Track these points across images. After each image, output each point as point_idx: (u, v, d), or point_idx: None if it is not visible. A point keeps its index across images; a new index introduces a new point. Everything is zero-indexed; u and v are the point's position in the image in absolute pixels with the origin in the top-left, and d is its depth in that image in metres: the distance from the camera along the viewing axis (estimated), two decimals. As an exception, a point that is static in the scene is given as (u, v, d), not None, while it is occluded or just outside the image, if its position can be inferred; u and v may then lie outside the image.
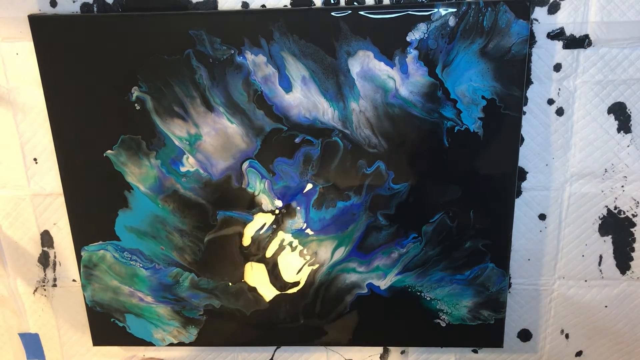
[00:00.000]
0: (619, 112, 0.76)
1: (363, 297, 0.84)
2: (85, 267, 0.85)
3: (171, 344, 0.90)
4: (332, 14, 0.70)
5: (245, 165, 0.78)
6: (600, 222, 0.82)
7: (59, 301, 0.92)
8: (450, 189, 0.78)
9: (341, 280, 0.83)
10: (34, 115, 0.80)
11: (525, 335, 0.90)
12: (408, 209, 0.78)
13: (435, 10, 0.69)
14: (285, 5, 0.73)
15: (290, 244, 0.82)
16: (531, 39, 0.73)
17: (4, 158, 0.83)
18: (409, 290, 0.83)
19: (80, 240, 0.84)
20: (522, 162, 0.79)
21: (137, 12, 0.73)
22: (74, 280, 0.90)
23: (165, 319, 0.88)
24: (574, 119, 0.77)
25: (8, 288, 0.91)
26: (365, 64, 0.72)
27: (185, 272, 0.84)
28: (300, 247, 0.82)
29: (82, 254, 0.84)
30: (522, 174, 0.80)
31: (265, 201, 0.79)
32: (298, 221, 0.80)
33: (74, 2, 0.74)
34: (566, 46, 0.73)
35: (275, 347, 0.93)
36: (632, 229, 0.82)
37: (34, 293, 0.92)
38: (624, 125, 0.77)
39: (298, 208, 0.80)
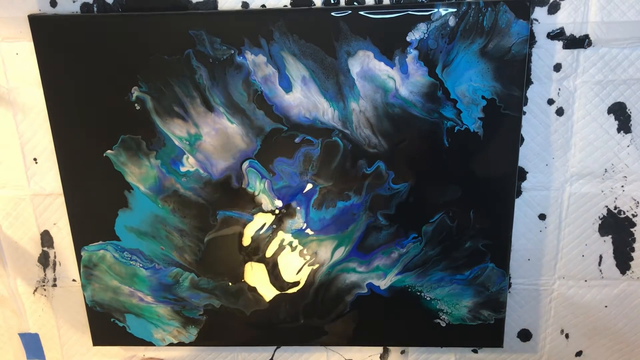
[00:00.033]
0: (619, 112, 0.76)
1: (363, 297, 0.84)
2: (85, 267, 0.85)
3: (171, 344, 0.90)
4: (332, 14, 0.70)
5: (245, 165, 0.78)
6: (600, 222, 0.82)
7: (59, 301, 0.92)
8: (450, 189, 0.78)
9: (341, 280, 0.83)
10: (34, 115, 0.80)
11: (525, 335, 0.90)
12: (408, 209, 0.78)
13: (435, 10, 0.69)
14: (285, 5, 0.73)
15: (290, 244, 0.82)
16: (531, 39, 0.73)
17: (4, 158, 0.83)
18: (409, 290, 0.83)
19: (80, 240, 0.84)
20: (522, 162, 0.79)
21: (137, 12, 0.73)
22: (74, 280, 0.90)
23: (165, 319, 0.88)
24: (574, 119, 0.77)
25: (8, 288, 0.91)
26: (365, 64, 0.72)
27: (185, 272, 0.84)
28: (300, 247, 0.82)
29: (82, 254, 0.84)
30: (522, 174, 0.80)
31: (265, 201, 0.79)
32: (298, 221, 0.80)
33: (74, 2, 0.74)
34: (566, 46, 0.73)
35: (275, 347, 0.93)
36: (632, 229, 0.82)
37: (34, 293, 0.92)
38: (624, 125, 0.77)
39: (298, 208, 0.80)
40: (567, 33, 0.73)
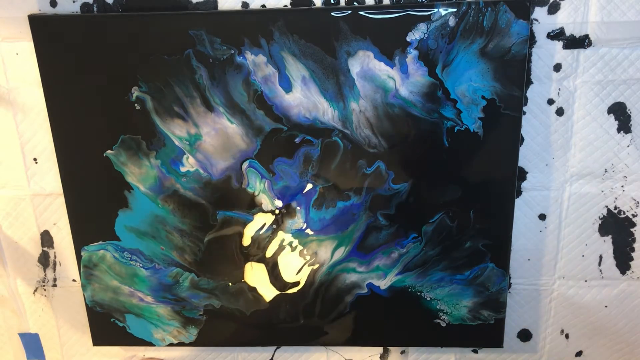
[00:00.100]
0: (619, 112, 0.76)
1: (363, 297, 0.84)
2: (85, 267, 0.85)
3: (171, 344, 0.90)
4: (332, 14, 0.70)
5: (245, 165, 0.78)
6: (600, 222, 0.82)
7: (59, 301, 0.92)
8: (450, 189, 0.78)
9: (341, 280, 0.83)
10: (34, 115, 0.80)
11: (525, 335, 0.90)
12: (408, 209, 0.78)
13: (435, 10, 0.69)
14: (285, 5, 0.73)
15: (290, 244, 0.82)
16: (531, 39, 0.73)
17: (4, 158, 0.83)
18: (409, 290, 0.83)
19: (80, 240, 0.84)
20: (522, 162, 0.79)
21: (137, 12, 0.73)
22: (74, 280, 0.90)
23: (165, 319, 0.88)
24: (574, 119, 0.77)
25: (8, 288, 0.91)
26: (365, 64, 0.72)
27: (185, 272, 0.84)
28: (300, 247, 0.82)
29: (82, 254, 0.84)
30: (522, 174, 0.80)
31: (265, 201, 0.79)
32: (298, 221, 0.80)
33: (74, 2, 0.74)
34: (566, 46, 0.73)
35: (275, 347, 0.93)
36: (632, 229, 0.82)
37: (34, 293, 0.92)
38: (624, 125, 0.77)
39: (298, 208, 0.80)
40: (567, 33, 0.73)
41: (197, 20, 0.71)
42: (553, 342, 0.90)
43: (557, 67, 0.74)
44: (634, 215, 0.81)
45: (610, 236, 0.83)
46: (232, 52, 0.72)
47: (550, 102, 0.76)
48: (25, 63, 0.77)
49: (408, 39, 0.70)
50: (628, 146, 0.78)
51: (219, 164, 0.78)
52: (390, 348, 0.92)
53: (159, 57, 0.73)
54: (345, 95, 0.73)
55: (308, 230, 0.81)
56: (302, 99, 0.74)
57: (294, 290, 0.85)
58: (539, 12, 0.72)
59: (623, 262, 0.84)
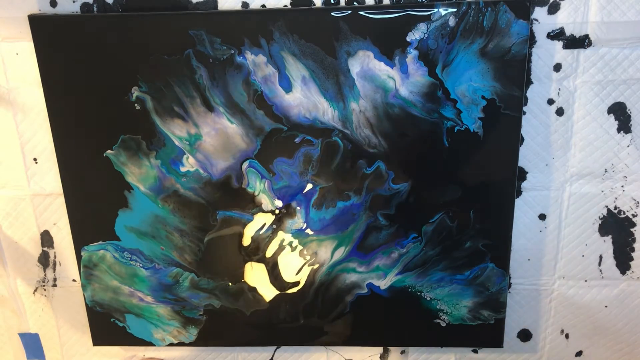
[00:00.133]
0: (619, 112, 0.76)
1: (363, 297, 0.84)
2: (85, 267, 0.85)
3: (171, 344, 0.90)
4: (332, 14, 0.70)
5: (245, 165, 0.78)
6: (600, 222, 0.82)
7: (59, 301, 0.92)
8: (450, 189, 0.78)
9: (341, 280, 0.83)
10: (34, 115, 0.80)
11: (525, 335, 0.90)
12: (408, 209, 0.78)
13: (435, 10, 0.69)
14: (285, 5, 0.73)
15: (290, 244, 0.82)
16: (531, 39, 0.73)
17: (4, 158, 0.83)
18: (409, 290, 0.83)
19: (80, 240, 0.84)
20: (522, 162, 0.79)
21: (137, 12, 0.73)
22: (74, 280, 0.90)
23: (165, 319, 0.88)
24: (574, 119, 0.77)
25: (8, 288, 0.91)
26: (365, 64, 0.72)
27: (185, 272, 0.84)
28: (300, 247, 0.82)
29: (82, 254, 0.84)
30: (522, 174, 0.80)
31: (265, 201, 0.79)
32: (298, 221, 0.80)
33: (74, 2, 0.74)
34: (566, 46, 0.73)
35: (275, 347, 0.93)
36: (632, 229, 0.82)
37: (34, 293, 0.92)
38: (624, 125, 0.77)
39: (298, 208, 0.80)
40: (567, 33, 0.73)
41: (197, 20, 0.71)
42: (553, 342, 0.90)
43: (557, 67, 0.74)
44: (634, 215, 0.81)
45: (610, 236, 0.83)
46: (232, 52, 0.72)
47: (550, 102, 0.76)
48: (25, 63, 0.77)
49: (408, 39, 0.70)
50: (628, 146, 0.78)
51: (219, 164, 0.78)
52: (390, 348, 0.92)
53: (159, 57, 0.73)
54: (345, 95, 0.73)
55: (308, 230, 0.81)
56: (302, 99, 0.74)
57: (294, 290, 0.85)
58: (539, 12, 0.72)
59: (623, 262, 0.84)
